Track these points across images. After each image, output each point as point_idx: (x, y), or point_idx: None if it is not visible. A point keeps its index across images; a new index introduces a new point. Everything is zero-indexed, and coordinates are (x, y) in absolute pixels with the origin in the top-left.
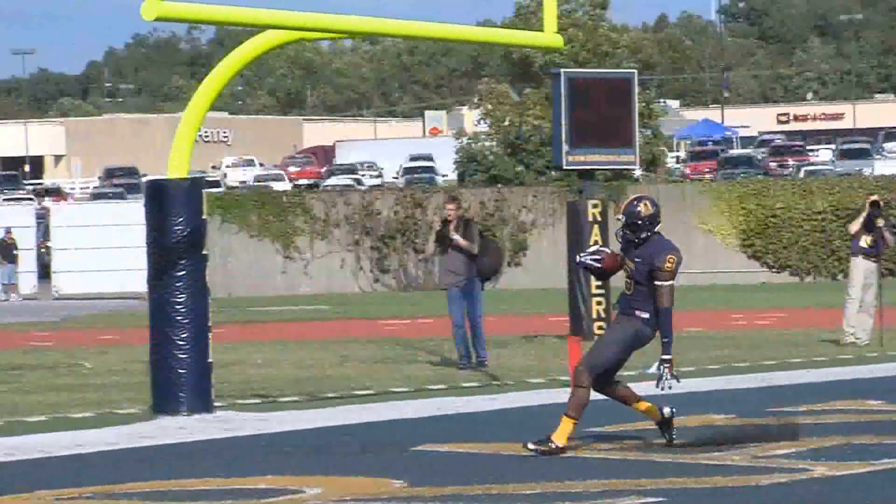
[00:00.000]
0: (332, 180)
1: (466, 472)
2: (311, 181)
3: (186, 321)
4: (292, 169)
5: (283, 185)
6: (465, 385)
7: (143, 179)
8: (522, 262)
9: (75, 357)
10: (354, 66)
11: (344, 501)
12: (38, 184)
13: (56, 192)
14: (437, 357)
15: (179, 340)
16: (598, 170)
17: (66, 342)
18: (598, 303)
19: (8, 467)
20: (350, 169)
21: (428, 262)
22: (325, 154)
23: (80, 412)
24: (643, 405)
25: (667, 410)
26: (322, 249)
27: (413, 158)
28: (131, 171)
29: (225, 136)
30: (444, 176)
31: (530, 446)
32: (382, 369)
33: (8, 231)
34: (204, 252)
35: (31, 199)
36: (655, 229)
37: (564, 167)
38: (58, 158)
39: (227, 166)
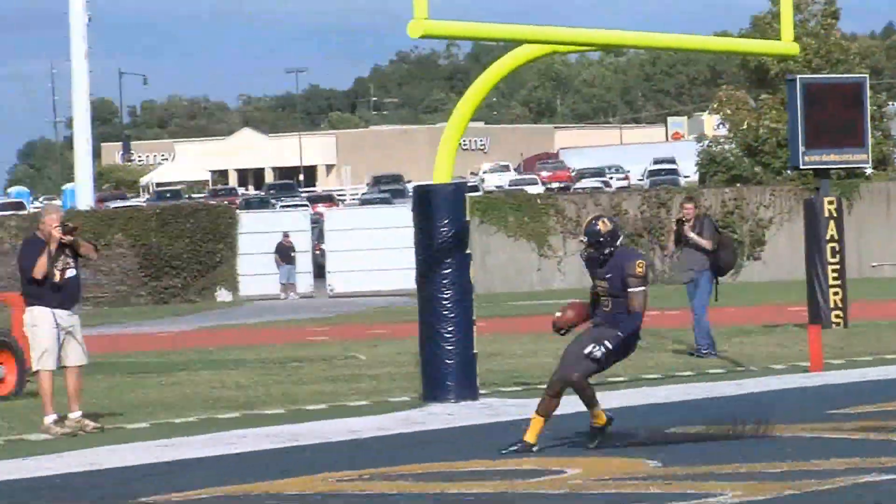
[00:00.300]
0: (582, 183)
1: (715, 452)
2: (563, 184)
3: (452, 315)
4: (544, 173)
5: (537, 189)
6: (710, 371)
7: (408, 185)
8: (761, 257)
9: (349, 350)
10: (600, 77)
11: (602, 480)
12: (312, 191)
13: (328, 199)
14: (683, 346)
15: (446, 333)
16: (833, 169)
17: (340, 336)
18: (836, 293)
19: (292, 452)
20: (598, 172)
21: (670, 258)
22: (525, 164)
23: (356, 401)
24: (596, 411)
25: (602, 422)
26: (574, 247)
27: (657, 161)
28: (396, 178)
29: (482, 145)
30: (685, 177)
31: (503, 452)
32: (634, 358)
33: (286, 235)
34: (467, 251)
35: (305, 205)
36: (617, 243)
37: (801, 167)
38: (329, 168)
39: (485, 172)
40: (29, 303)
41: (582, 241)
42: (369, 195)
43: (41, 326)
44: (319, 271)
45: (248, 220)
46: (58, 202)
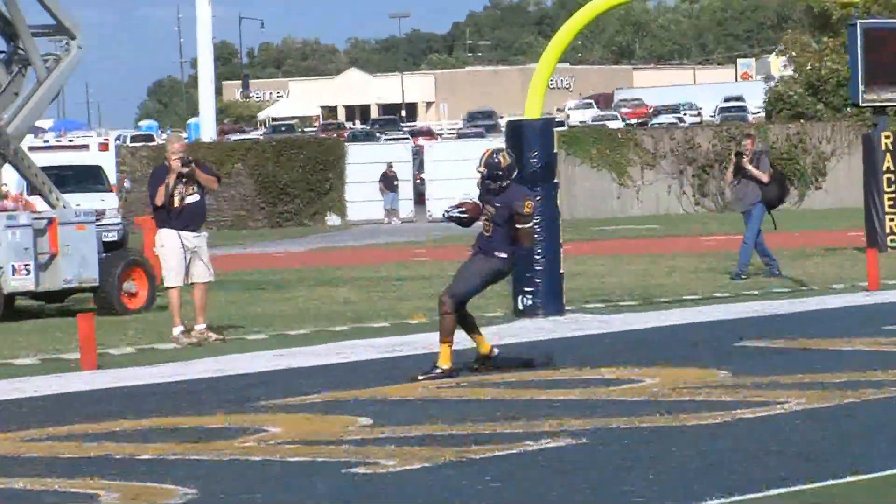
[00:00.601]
0: (659, 118)
1: (781, 364)
2: (641, 119)
3: (541, 238)
4: (624, 109)
5: (617, 124)
6: (776, 290)
7: (500, 121)
8: (823, 186)
9: (446, 270)
10: (676, 22)
11: (677, 389)
12: (413, 126)
13: (428, 133)
14: (750, 268)
15: (536, 255)
16: (890, 106)
17: (438, 257)
18: (891, 219)
19: (395, 362)
20: (674, 109)
21: (730, 187)
22: (604, 100)
23: None
24: (480, 339)
25: (495, 351)
26: (650, 177)
27: (727, 99)
28: (489, 114)
29: (567, 84)
30: (753, 114)
31: (420, 378)
32: (705, 278)
33: (389, 165)
34: (555, 180)
35: (407, 138)
36: (513, 176)
37: (860, 104)
38: (428, 104)
39: (570, 108)
40: (158, 225)
41: (480, 171)
42: (465, 129)
43: (168, 247)
44: (419, 198)
45: (355, 152)
46: (182, 133)
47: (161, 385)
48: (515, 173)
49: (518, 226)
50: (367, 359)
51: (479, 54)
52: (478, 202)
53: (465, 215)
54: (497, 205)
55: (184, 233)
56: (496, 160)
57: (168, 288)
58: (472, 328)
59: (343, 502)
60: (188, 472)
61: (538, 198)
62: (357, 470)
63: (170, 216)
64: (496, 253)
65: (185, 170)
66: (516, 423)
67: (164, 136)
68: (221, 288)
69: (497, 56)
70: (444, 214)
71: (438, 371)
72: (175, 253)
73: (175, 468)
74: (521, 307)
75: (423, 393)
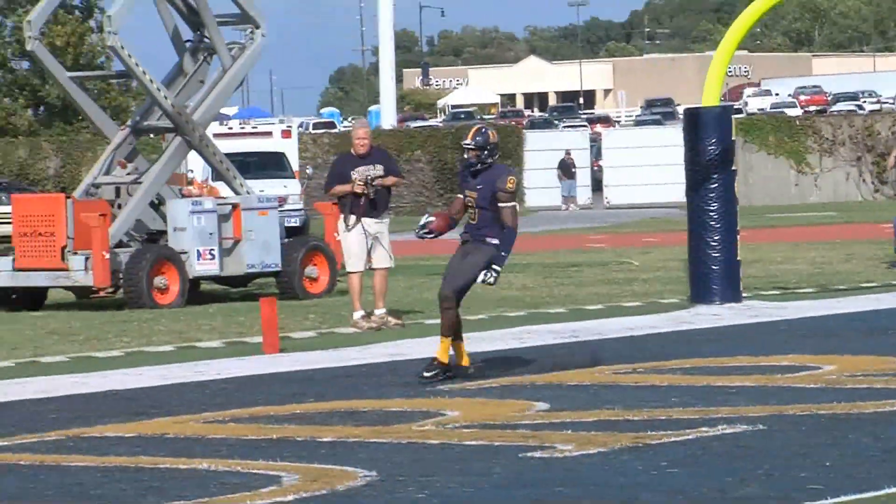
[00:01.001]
0: (838, 106)
1: None
2: (820, 107)
3: (718, 225)
4: (802, 97)
5: (795, 111)
6: None
7: (678, 108)
8: None
9: (624, 256)
10: (855, 9)
11: (854, 376)
12: (591, 113)
13: (605, 120)
14: None
15: (712, 241)
16: None
17: (615, 244)
18: None
19: (572, 347)
20: (853, 96)
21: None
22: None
23: (630, 301)
24: (462, 348)
25: (471, 370)
26: (829, 164)
27: None
28: (667, 102)
29: (745, 71)
30: None
31: (426, 375)
32: (882, 266)
33: (567, 152)
34: (733, 168)
35: (585, 125)
36: (496, 156)
37: None
38: (606, 92)
39: (748, 96)
40: (342, 211)
41: (467, 145)
42: (643, 117)
43: (351, 232)
44: (597, 185)
45: (533, 139)
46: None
47: (341, 368)
48: (497, 156)
49: (501, 204)
50: (543, 344)
51: (658, 42)
52: (442, 212)
53: (430, 235)
54: (479, 186)
55: (366, 219)
56: (486, 134)
57: (349, 273)
58: (457, 334)
59: (520, 486)
60: (368, 455)
61: (714, 185)
62: (534, 454)
63: (353, 203)
64: (487, 239)
65: (365, 190)
66: (692, 409)
67: (346, 123)
68: (401, 273)
69: (675, 44)
70: (416, 234)
71: (437, 363)
72: (357, 239)
73: (355, 451)
74: (696, 293)
75: (600, 378)
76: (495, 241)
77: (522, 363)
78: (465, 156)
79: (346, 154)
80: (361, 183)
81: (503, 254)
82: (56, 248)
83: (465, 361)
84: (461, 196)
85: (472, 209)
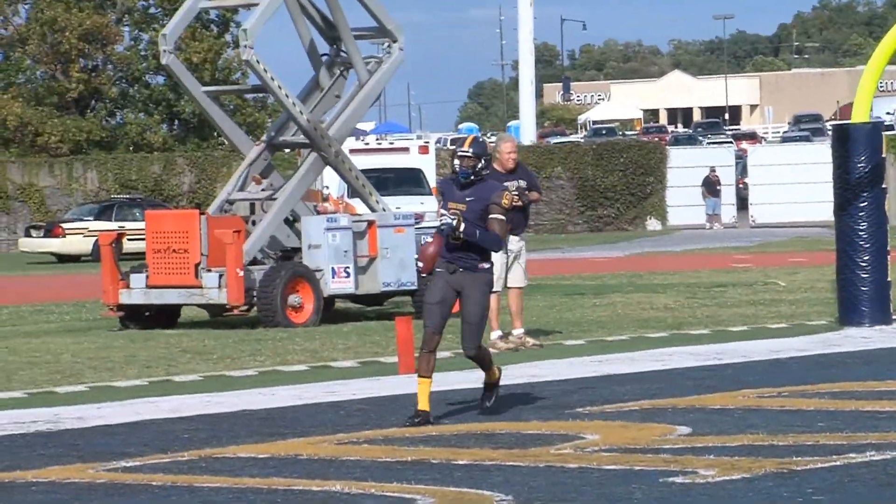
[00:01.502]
0: None
1: None
2: None
3: (868, 245)
4: None
5: None
6: None
7: (827, 125)
8: None
9: (770, 276)
10: None
11: None
12: (736, 129)
13: (751, 136)
14: None
15: (861, 262)
16: None
17: (761, 263)
18: None
19: (715, 370)
20: None
21: None
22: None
23: (776, 323)
24: (428, 388)
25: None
26: None
27: None
28: (816, 118)
29: None
30: None
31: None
32: None
33: (712, 169)
34: (883, 186)
35: (730, 142)
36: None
37: None
38: (752, 107)
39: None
40: None
41: (464, 153)
42: (790, 133)
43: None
44: (742, 203)
45: (676, 156)
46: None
47: (479, 390)
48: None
49: (493, 216)
50: (686, 366)
51: (806, 56)
52: (429, 243)
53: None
54: (469, 199)
55: (509, 236)
56: (483, 144)
57: None
58: (430, 374)
59: None
60: (504, 478)
61: (863, 203)
62: (675, 480)
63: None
64: (480, 265)
65: (523, 202)
66: (840, 435)
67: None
68: (539, 292)
69: (825, 58)
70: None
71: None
72: (500, 257)
73: (491, 474)
74: (844, 315)
75: (744, 402)
76: (487, 265)
77: (664, 386)
78: (457, 165)
79: (491, 169)
80: (516, 195)
81: (488, 265)
82: (189, 266)
83: (427, 405)
84: (442, 210)
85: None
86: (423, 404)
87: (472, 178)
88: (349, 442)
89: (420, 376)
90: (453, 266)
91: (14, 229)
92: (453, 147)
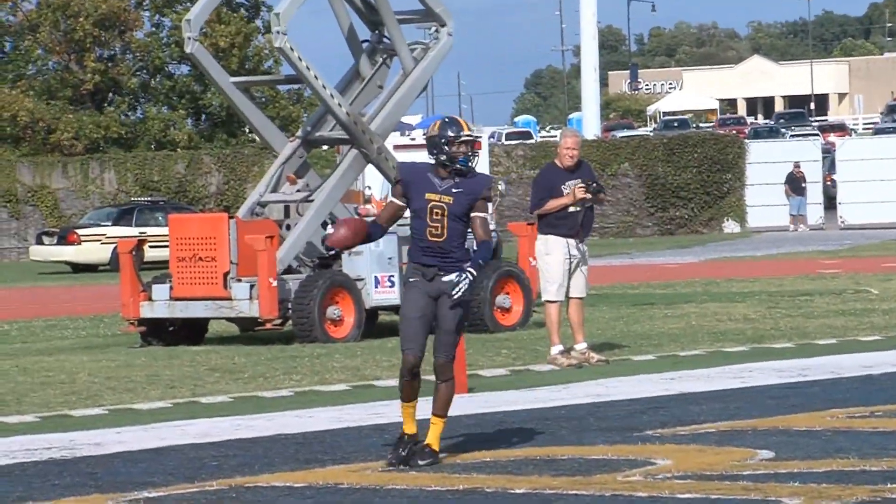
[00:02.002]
0: None
1: None
2: None
3: None
4: None
5: None
6: None
7: None
8: None
9: (861, 283)
10: None
11: None
12: (823, 120)
13: (840, 128)
14: None
15: None
16: None
17: (851, 269)
18: None
19: (800, 387)
20: None
21: None
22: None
23: (868, 335)
24: (413, 413)
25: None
26: None
27: None
28: None
29: None
30: None
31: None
32: None
33: (796, 165)
34: None
35: (816, 134)
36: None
37: None
38: (841, 96)
39: None
40: (543, 231)
41: (469, 137)
42: (883, 124)
43: (554, 255)
44: (830, 202)
45: (757, 150)
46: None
47: (537, 411)
48: None
49: (478, 214)
50: (767, 384)
51: None
52: (355, 221)
53: (332, 251)
54: (456, 191)
55: (572, 241)
56: (476, 132)
57: (546, 302)
58: (415, 397)
59: None
60: None
61: None
62: None
63: (560, 221)
64: (467, 266)
65: (595, 200)
66: None
67: (544, 133)
68: (605, 302)
69: None
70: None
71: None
72: (562, 264)
73: None
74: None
75: (832, 423)
76: (473, 270)
77: (743, 405)
78: (447, 150)
79: (551, 166)
80: (583, 186)
81: (481, 262)
82: (218, 275)
83: (414, 428)
84: (399, 202)
85: (439, 219)
86: (410, 427)
87: (461, 167)
88: (395, 469)
89: (404, 402)
90: (431, 271)
91: (25, 236)
92: (435, 134)
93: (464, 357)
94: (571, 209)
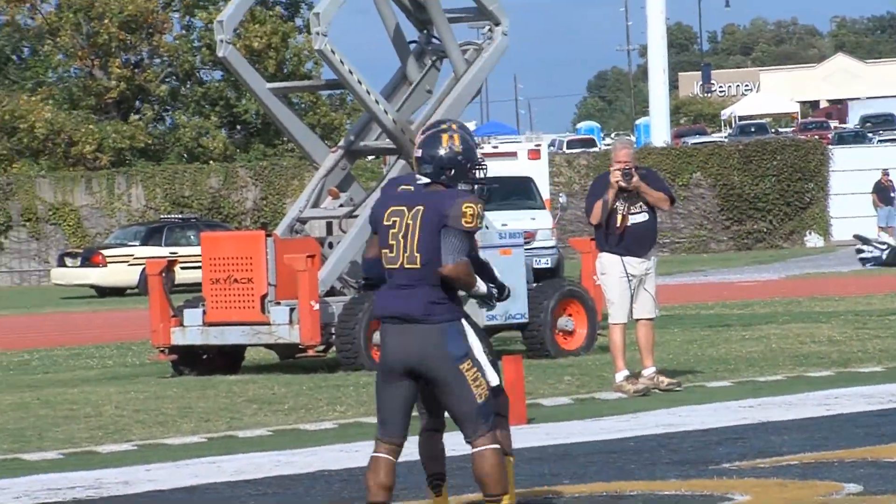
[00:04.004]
0: None
1: None
2: None
3: None
4: None
5: None
6: None
7: None
8: None
9: None
10: None
11: None
12: None
13: None
14: None
15: None
16: None
17: None
18: None
19: (891, 414)
20: None
21: None
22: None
23: None
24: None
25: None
26: None
27: None
28: None
29: None
30: None
31: None
32: None
33: (885, 173)
34: None
35: None
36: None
37: None
38: None
39: None
40: (599, 249)
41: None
42: None
43: (609, 275)
44: None
45: (841, 157)
46: (631, 138)
47: (603, 443)
48: None
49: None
50: (856, 411)
51: None
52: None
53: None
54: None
55: (628, 258)
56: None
57: (610, 325)
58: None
59: None
60: None
61: None
62: None
63: (611, 237)
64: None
65: (626, 184)
66: None
67: (609, 140)
68: (676, 324)
69: None
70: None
71: None
72: (618, 283)
73: None
74: None
75: None
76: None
77: (829, 435)
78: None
79: (604, 177)
80: (619, 173)
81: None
82: (255, 298)
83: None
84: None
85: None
86: None
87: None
88: None
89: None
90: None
91: (46, 258)
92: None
93: (522, 383)
94: (619, 225)
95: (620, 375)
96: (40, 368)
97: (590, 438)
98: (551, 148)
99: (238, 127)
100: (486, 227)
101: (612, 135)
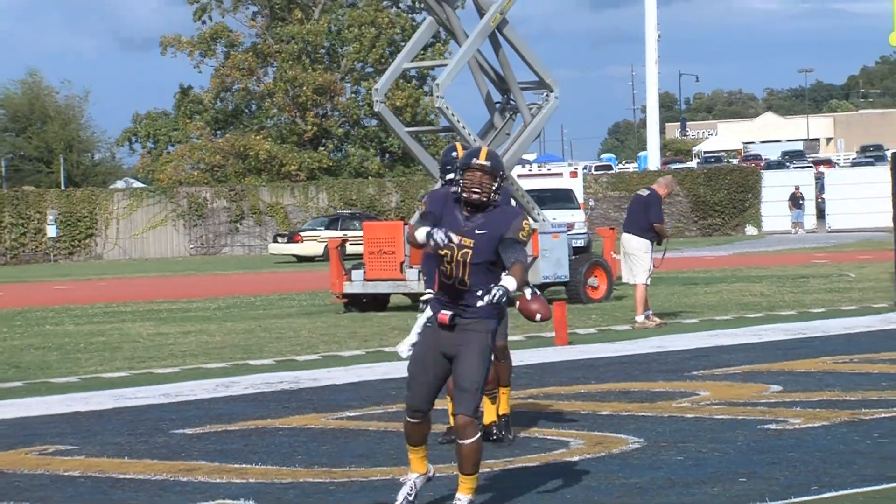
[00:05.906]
0: None
1: None
2: None
3: None
4: None
5: None
6: None
7: (887, 152)
8: None
9: (843, 270)
10: None
11: None
12: (816, 156)
13: (827, 162)
14: None
15: None
16: None
17: (836, 260)
18: None
19: (801, 342)
20: None
21: None
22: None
23: (848, 306)
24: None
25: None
26: None
27: None
28: (878, 147)
29: None
30: None
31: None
32: None
33: (797, 187)
34: None
35: (811, 166)
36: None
37: None
38: (828, 140)
39: None
40: (643, 235)
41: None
42: (858, 159)
43: (649, 254)
44: (821, 213)
45: (769, 177)
46: (669, 177)
47: (617, 357)
48: None
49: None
50: (777, 339)
51: (871, 100)
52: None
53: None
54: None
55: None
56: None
57: (637, 284)
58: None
59: (758, 451)
60: (637, 426)
61: None
62: (769, 426)
63: (652, 234)
64: (483, 321)
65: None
66: None
67: (621, 165)
68: (664, 283)
69: (885, 101)
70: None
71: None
72: (650, 259)
73: (627, 422)
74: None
75: (823, 367)
76: (494, 322)
77: (760, 354)
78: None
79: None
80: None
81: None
82: (396, 263)
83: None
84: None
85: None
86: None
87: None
88: (519, 398)
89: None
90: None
91: (265, 237)
92: (450, 159)
93: (565, 319)
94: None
95: (640, 318)
96: (261, 307)
97: (608, 355)
98: (584, 170)
99: (387, 155)
100: (543, 220)
101: (624, 162)
